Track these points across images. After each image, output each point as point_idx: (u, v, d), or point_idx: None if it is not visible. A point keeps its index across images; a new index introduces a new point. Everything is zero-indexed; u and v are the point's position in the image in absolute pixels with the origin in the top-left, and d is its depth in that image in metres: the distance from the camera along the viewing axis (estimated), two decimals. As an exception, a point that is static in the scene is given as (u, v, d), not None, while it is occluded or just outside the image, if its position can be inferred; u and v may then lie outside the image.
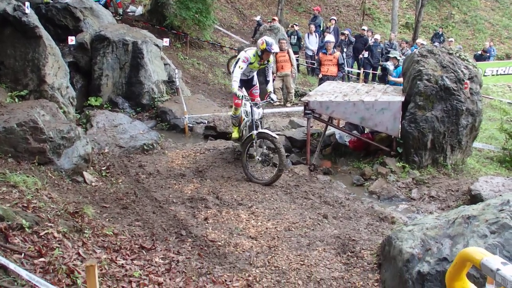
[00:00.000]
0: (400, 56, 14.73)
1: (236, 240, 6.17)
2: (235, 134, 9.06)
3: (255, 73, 9.04)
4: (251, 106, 8.41)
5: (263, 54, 8.36)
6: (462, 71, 9.13)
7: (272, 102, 8.65)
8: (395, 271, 5.15)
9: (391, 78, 13.63)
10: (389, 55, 14.56)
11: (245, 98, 8.52)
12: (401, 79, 12.80)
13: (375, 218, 7.19)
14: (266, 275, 5.46)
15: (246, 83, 8.95)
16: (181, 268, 5.32)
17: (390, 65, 13.92)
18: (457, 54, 9.54)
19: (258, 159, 8.46)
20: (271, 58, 8.69)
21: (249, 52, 8.48)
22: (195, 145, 10.13)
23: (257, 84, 9.10)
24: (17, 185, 5.58)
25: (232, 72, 8.56)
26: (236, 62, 8.48)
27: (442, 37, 22.43)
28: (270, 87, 8.75)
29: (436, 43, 20.15)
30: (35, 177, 6.17)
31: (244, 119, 8.69)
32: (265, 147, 8.54)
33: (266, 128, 8.57)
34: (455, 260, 2.25)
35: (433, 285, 4.61)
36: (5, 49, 8.50)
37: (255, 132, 8.21)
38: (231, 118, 9.27)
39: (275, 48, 8.48)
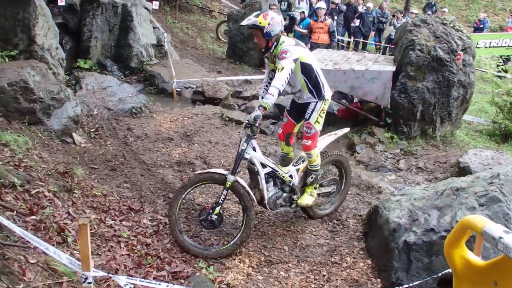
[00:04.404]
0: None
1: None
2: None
3: (300, 87, 5.45)
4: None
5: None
6: (455, 41, 9.03)
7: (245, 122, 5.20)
8: (381, 240, 5.21)
9: (297, 28, 14.51)
10: (296, 10, 15.02)
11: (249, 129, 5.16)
12: (305, 31, 13.94)
13: (362, 188, 7.24)
14: (253, 239, 5.52)
15: (295, 109, 5.75)
16: (168, 230, 5.36)
17: (297, 15, 14.82)
18: (451, 25, 9.43)
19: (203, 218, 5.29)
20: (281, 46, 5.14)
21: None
22: (183, 110, 10.06)
23: (310, 121, 5.43)
24: (9, 144, 5.56)
25: None
26: None
27: (434, 7, 22.03)
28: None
29: (429, 12, 20.03)
30: (25, 136, 6.13)
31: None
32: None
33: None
34: (455, 227, 2.26)
35: (419, 255, 4.68)
36: (-4, 8, 8.31)
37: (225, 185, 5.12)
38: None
39: (244, 21, 5.20)
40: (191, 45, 16.63)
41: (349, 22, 18.42)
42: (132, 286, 3.29)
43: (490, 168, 5.88)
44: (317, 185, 5.82)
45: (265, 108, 4.89)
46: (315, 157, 5.49)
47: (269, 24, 5.04)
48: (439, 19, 9.76)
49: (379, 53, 16.55)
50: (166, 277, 4.49)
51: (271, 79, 5.42)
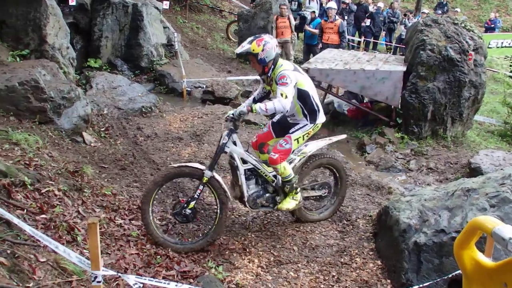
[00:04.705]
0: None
1: (233, 205, 6.19)
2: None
3: (294, 112, 5.32)
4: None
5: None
6: (467, 41, 8.98)
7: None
8: (391, 240, 5.18)
9: (307, 28, 14.53)
10: (307, 9, 15.15)
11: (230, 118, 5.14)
12: (316, 31, 13.94)
13: (372, 188, 7.20)
14: (262, 239, 5.51)
15: (282, 124, 5.55)
16: (178, 229, 5.40)
17: (308, 14, 14.87)
18: (463, 25, 9.38)
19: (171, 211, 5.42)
20: (278, 72, 4.95)
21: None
22: (193, 109, 10.07)
23: (291, 136, 5.26)
24: (19, 143, 5.58)
25: None
26: None
27: (446, 7, 21.74)
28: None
29: (439, 12, 19.88)
30: (36, 135, 6.16)
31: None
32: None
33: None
34: (465, 228, 2.23)
35: (429, 256, 4.64)
36: (7, 8, 8.36)
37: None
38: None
39: (238, 48, 5.13)
40: (201, 44, 16.68)
41: (359, 22, 18.36)
42: (141, 285, 3.29)
43: (501, 169, 5.81)
44: (299, 190, 5.53)
45: (251, 111, 4.85)
46: (282, 170, 5.21)
47: (262, 50, 4.92)
48: (450, 19, 9.71)
49: (390, 53, 16.49)
50: (175, 276, 4.49)
51: (265, 93, 5.47)
